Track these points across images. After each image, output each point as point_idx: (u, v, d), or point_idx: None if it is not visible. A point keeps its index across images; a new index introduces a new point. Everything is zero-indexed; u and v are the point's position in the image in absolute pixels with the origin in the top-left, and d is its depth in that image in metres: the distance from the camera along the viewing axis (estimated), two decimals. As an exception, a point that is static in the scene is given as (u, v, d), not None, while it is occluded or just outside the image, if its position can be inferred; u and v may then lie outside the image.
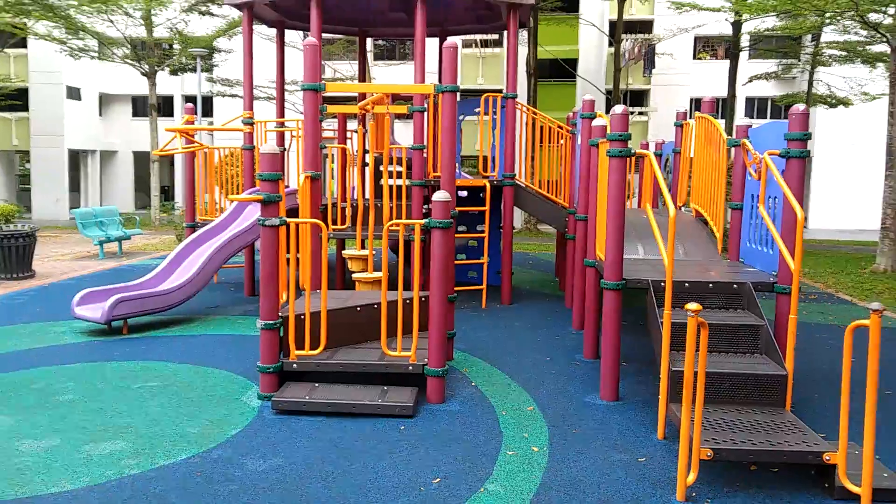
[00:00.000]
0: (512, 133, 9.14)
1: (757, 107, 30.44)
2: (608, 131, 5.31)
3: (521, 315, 8.38)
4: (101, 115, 31.95)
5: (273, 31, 11.58)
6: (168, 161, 31.15)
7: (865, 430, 3.42)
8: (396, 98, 12.11)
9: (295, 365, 5.22)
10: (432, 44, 11.00)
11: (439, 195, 5.07)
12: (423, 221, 5.13)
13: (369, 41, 19.89)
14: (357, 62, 13.03)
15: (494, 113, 9.34)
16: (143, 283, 7.92)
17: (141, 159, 32.24)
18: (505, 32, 9.97)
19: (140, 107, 31.99)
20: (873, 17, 13.11)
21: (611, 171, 5.18)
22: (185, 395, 5.29)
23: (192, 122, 9.73)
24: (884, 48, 17.76)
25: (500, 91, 12.05)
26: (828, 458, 3.65)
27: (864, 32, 15.40)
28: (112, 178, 32.63)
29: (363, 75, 12.18)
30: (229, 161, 10.78)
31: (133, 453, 4.19)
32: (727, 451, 3.71)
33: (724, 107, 23.29)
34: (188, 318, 8.06)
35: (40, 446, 4.29)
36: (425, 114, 8.51)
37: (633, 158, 6.66)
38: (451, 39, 6.76)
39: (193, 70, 24.35)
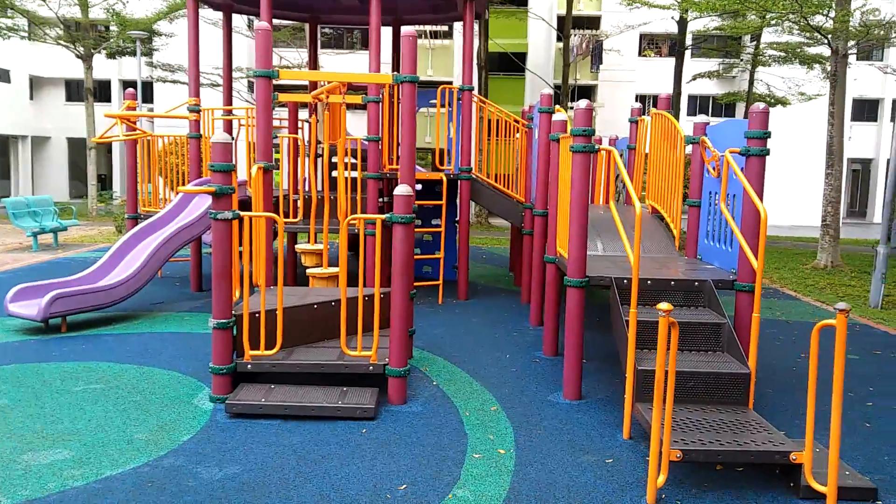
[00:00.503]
0: (468, 126, 9.03)
1: (699, 104, 31.21)
2: (569, 126, 5.26)
3: (478, 311, 8.30)
4: (31, 98, 30.46)
5: (218, 15, 11.16)
6: (105, 148, 29.94)
7: (832, 429, 3.45)
8: (350, 87, 11.85)
9: (249, 366, 5.00)
10: (384, 33, 10.77)
11: (401, 189, 4.92)
12: (384, 217, 4.96)
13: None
14: (307, 50, 12.70)
15: (450, 105, 9.21)
16: (83, 278, 7.50)
17: (76, 146, 30.88)
18: (457, 24, 9.85)
19: (74, 91, 30.65)
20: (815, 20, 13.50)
21: (574, 167, 5.12)
22: (132, 399, 5.00)
23: (134, 108, 9.28)
24: (820, 50, 18.38)
25: (449, 83, 11.89)
26: (794, 457, 3.67)
27: (804, 34, 15.87)
28: (45, 165, 31.17)
29: (314, 63, 11.87)
30: (172, 149, 10.34)
31: (77, 463, 3.91)
32: (696, 452, 3.69)
33: (654, 103, 23.76)
34: (132, 315, 7.68)
35: (-28, 457, 3.97)
36: (380, 104, 8.31)
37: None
38: (408, 28, 6.58)
39: (132, 54, 23.37)
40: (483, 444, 4.32)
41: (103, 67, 28.45)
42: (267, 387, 4.97)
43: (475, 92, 9.27)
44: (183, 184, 9.82)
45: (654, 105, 7.56)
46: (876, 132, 31.24)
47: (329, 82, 7.83)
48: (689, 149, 6.42)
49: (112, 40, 22.47)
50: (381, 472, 3.89)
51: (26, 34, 22.17)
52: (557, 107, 7.18)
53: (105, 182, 30.87)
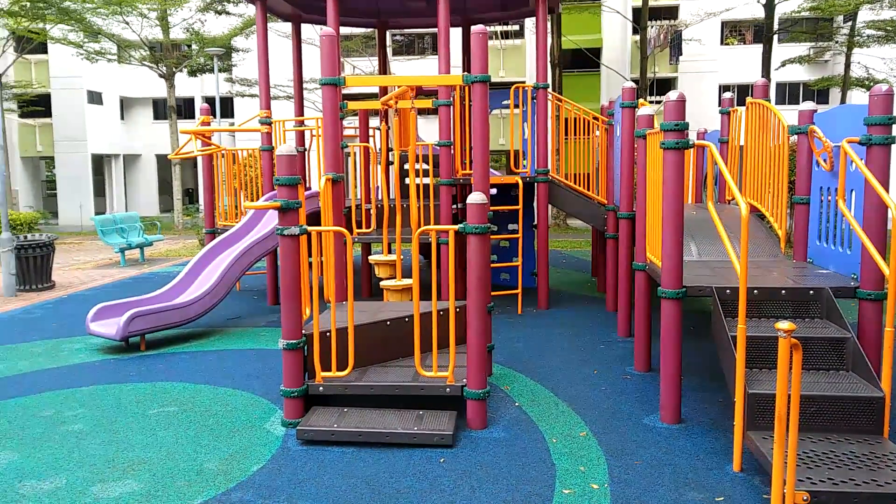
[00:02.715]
0: (544, 126, 8.59)
1: (789, 92, 29.46)
2: (656, 121, 4.78)
3: (560, 321, 7.85)
4: (122, 118, 31.91)
5: (289, 27, 11.15)
6: (191, 163, 31.03)
7: None
8: (419, 92, 11.62)
9: (321, 388, 4.76)
10: (454, 35, 10.46)
11: (475, 197, 4.57)
12: (457, 227, 4.63)
13: (388, 36, 19.38)
14: (377, 57, 12.57)
15: (524, 104, 8.80)
16: (159, 296, 7.52)
17: (164, 162, 32.16)
18: (528, 21, 9.44)
19: (161, 109, 31.90)
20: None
21: (666, 166, 4.63)
22: (204, 423, 4.85)
23: (209, 124, 9.31)
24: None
25: (522, 83, 11.45)
26: (951, 502, 3.09)
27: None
28: (136, 181, 32.60)
29: (384, 69, 11.70)
30: (249, 162, 10.36)
31: (144, 496, 3.74)
32: (827, 495, 3.16)
33: (751, 92, 22.50)
34: (209, 331, 7.64)
35: (43, 488, 3.87)
36: (451, 108, 8.00)
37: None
38: (478, 26, 6.23)
39: (212, 70, 24.06)
40: (573, 476, 3.90)
41: (186, 85, 29.49)
42: (340, 410, 4.71)
43: (549, 90, 8.82)
44: (258, 196, 9.80)
45: (751, 94, 6.92)
46: None
47: (397, 87, 7.58)
48: (792, 139, 5.80)
49: (192, 58, 23.19)
50: (462, 509, 3.54)
51: (114, 57, 23.17)
52: (641, 101, 6.66)
53: (192, 195, 32.00)
